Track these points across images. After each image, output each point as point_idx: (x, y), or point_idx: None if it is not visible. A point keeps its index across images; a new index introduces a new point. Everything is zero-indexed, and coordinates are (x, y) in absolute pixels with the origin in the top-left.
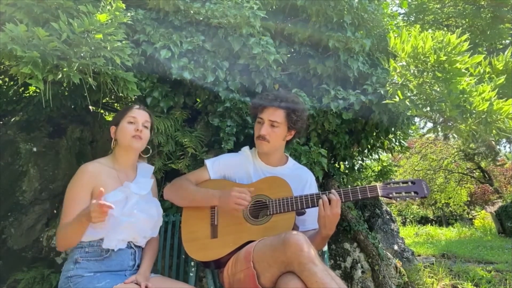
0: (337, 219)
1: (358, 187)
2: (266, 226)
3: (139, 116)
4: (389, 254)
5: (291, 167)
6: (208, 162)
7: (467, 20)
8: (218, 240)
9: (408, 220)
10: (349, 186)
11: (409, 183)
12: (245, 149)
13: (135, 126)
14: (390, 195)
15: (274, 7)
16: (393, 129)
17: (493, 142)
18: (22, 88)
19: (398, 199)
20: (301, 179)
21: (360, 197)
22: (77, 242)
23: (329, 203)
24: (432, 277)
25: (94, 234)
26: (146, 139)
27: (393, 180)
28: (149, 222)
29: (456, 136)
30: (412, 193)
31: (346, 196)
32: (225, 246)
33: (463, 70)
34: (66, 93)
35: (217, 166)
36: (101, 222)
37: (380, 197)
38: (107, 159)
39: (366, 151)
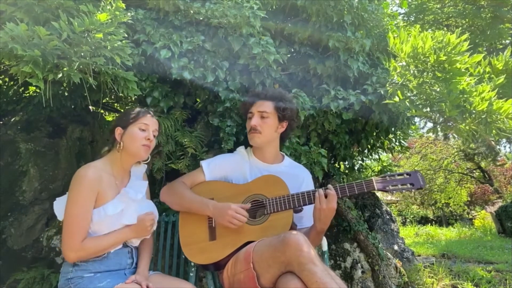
0: (332, 213)
1: (354, 182)
2: (264, 225)
3: (151, 123)
4: (389, 254)
5: (287, 165)
6: (203, 163)
7: (467, 20)
8: (217, 242)
9: (408, 220)
10: (345, 183)
11: (405, 175)
12: (240, 148)
13: (147, 134)
14: (387, 188)
15: (274, 7)
16: (393, 129)
17: (493, 142)
18: (22, 88)
19: (394, 191)
20: (297, 178)
21: (356, 192)
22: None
23: (326, 197)
24: (432, 277)
25: None
26: (152, 148)
27: (388, 173)
28: None
29: (456, 136)
30: (408, 185)
31: (343, 191)
32: (224, 248)
33: (463, 70)
34: (66, 93)
35: (212, 167)
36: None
37: (376, 191)
38: (104, 162)
39: (366, 151)
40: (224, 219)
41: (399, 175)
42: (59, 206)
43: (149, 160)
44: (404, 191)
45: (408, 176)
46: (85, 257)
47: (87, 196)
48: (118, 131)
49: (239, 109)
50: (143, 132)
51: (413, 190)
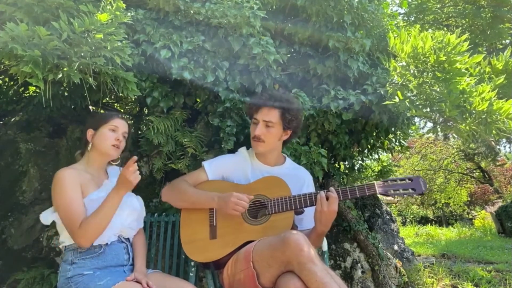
0: (333, 216)
1: (356, 185)
2: (265, 226)
3: (121, 126)
4: (389, 254)
5: (288, 167)
6: (205, 163)
7: (467, 20)
8: (217, 241)
9: (408, 220)
10: (345, 182)
11: (407, 180)
12: (242, 149)
13: (116, 135)
14: (388, 192)
15: (274, 7)
16: (393, 129)
17: (493, 143)
18: (22, 88)
19: (396, 196)
20: (298, 179)
21: (358, 195)
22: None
23: (327, 199)
24: (432, 277)
25: None
26: (122, 149)
27: (391, 178)
28: (133, 214)
29: (456, 136)
30: (410, 190)
31: (344, 194)
32: (225, 246)
33: (463, 70)
34: (66, 93)
35: (214, 167)
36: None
37: (378, 195)
38: (79, 164)
39: (366, 151)
40: (228, 207)
41: (401, 180)
42: (46, 214)
43: (119, 162)
44: (405, 195)
45: (410, 181)
46: (93, 235)
47: (72, 186)
48: (90, 132)
49: (242, 109)
50: (112, 133)
51: (414, 195)
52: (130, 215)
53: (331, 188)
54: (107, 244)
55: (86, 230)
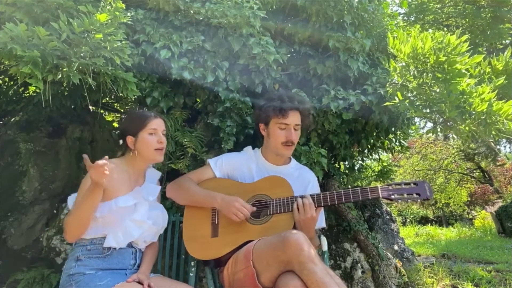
0: (314, 223)
1: (359, 188)
2: (266, 226)
3: (159, 126)
4: (389, 254)
5: (294, 167)
6: (211, 161)
7: (467, 20)
8: (218, 239)
9: (408, 220)
10: (350, 187)
11: (412, 185)
12: (248, 148)
13: (157, 138)
14: (392, 197)
15: (274, 7)
16: (393, 129)
17: (492, 144)
18: (22, 88)
19: (399, 200)
20: (304, 179)
21: (361, 198)
22: (87, 225)
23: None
24: (432, 277)
25: (97, 231)
26: (165, 148)
27: (395, 181)
28: (154, 229)
29: (456, 136)
30: (414, 195)
31: (347, 196)
32: (225, 245)
33: (463, 71)
34: (66, 93)
35: (220, 165)
36: (105, 178)
37: (381, 199)
38: (121, 160)
39: (366, 151)
40: (230, 211)
41: (405, 184)
42: (72, 198)
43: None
44: (409, 201)
45: (415, 186)
46: (73, 234)
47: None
48: (130, 139)
49: (242, 110)
50: (153, 136)
51: (419, 200)
52: (150, 229)
53: (307, 195)
54: (115, 248)
55: (66, 228)
